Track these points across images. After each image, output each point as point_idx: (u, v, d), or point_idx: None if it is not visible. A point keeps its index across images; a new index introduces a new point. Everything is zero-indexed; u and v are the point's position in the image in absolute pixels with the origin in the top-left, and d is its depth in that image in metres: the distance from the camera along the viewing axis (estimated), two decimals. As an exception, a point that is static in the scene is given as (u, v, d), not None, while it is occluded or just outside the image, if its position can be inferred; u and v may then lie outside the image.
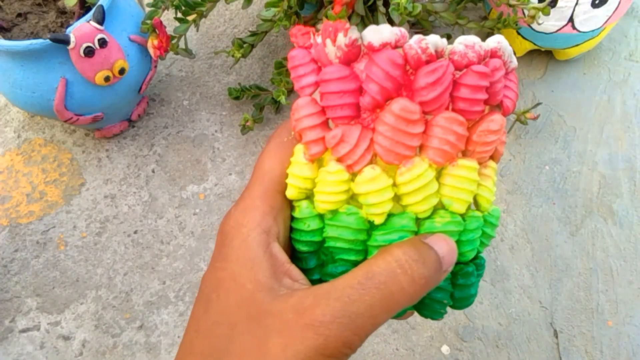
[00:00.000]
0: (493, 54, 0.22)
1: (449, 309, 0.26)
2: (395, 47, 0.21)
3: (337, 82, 0.22)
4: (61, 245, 0.51)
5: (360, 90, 0.22)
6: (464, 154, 0.23)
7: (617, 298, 0.50)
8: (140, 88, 0.53)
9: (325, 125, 0.23)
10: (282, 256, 0.23)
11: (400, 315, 0.26)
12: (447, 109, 0.22)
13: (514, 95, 0.24)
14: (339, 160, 0.23)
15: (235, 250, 0.23)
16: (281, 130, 0.26)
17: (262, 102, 0.57)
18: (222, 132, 0.58)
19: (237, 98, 0.58)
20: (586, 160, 0.57)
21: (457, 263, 0.24)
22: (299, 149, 0.24)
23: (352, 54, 0.22)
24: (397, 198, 0.23)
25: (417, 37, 0.21)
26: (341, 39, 0.21)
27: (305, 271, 0.25)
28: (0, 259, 0.51)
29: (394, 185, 0.22)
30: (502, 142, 0.24)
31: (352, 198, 0.23)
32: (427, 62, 0.21)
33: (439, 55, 0.22)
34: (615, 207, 0.54)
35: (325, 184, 0.23)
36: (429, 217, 0.23)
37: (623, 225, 0.53)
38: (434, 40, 0.21)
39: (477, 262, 0.26)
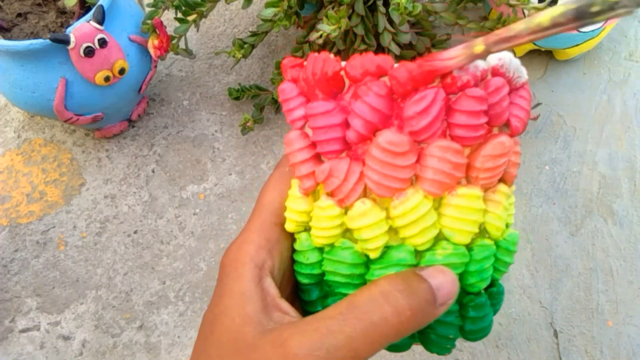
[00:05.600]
0: (495, 72, 0.21)
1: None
2: (380, 75, 0.20)
3: (323, 117, 0.21)
4: (61, 245, 0.51)
5: (347, 123, 0.21)
6: (468, 180, 0.22)
7: (617, 298, 0.50)
8: (140, 88, 0.53)
9: (317, 158, 0.23)
10: (273, 290, 0.23)
11: (401, 348, 0.25)
12: (444, 135, 0.21)
13: (524, 113, 0.22)
14: (330, 194, 0.22)
15: (229, 285, 0.23)
16: (284, 159, 0.26)
17: (262, 102, 0.57)
18: (222, 132, 0.58)
19: (237, 98, 0.58)
20: (586, 160, 0.57)
21: (467, 294, 0.23)
22: (295, 182, 0.24)
23: (336, 87, 0.21)
24: (394, 230, 0.22)
25: (401, 64, 0.20)
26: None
27: (309, 303, 0.25)
28: (0, 259, 0.51)
29: (389, 218, 0.21)
30: (513, 163, 0.23)
31: (349, 231, 0.23)
32: (415, 90, 0.20)
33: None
34: (615, 207, 0.54)
35: (318, 219, 0.22)
36: (430, 249, 0.22)
37: (623, 225, 0.53)
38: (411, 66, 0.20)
39: (493, 291, 0.24)
